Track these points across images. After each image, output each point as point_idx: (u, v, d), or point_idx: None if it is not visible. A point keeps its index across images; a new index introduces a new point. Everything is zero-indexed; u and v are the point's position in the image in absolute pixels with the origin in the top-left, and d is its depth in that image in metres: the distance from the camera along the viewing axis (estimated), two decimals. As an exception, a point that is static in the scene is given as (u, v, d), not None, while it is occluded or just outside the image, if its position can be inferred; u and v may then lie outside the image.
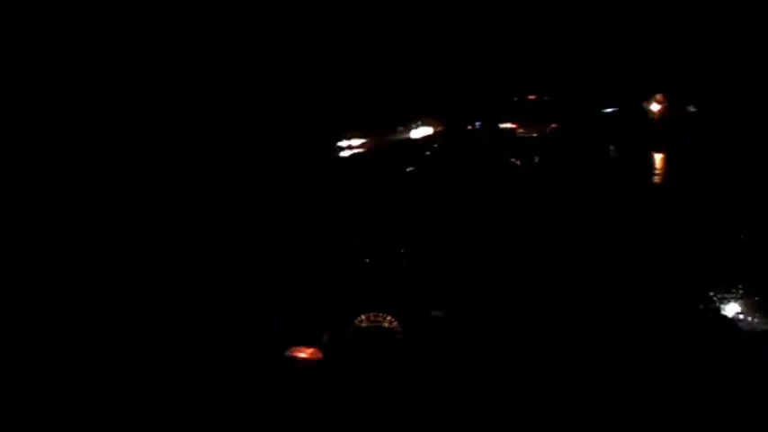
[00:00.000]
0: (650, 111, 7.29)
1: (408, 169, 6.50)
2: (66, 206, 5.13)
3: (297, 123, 5.91)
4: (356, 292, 4.44)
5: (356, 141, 6.50)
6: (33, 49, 5.26)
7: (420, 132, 7.29)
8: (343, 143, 6.42)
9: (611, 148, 8.99)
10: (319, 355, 4.01)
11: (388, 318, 4.05)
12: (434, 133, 7.91)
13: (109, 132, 5.55)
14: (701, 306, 4.15)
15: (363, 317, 4.07)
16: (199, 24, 5.83)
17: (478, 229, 5.50)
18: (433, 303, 4.41)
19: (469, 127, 9.02)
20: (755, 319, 3.69)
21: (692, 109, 7.44)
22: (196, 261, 4.94)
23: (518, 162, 8.57)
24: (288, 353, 3.97)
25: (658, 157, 7.26)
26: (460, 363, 3.89)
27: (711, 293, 3.95)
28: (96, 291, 4.64)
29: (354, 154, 6.44)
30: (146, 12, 5.66)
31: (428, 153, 7.28)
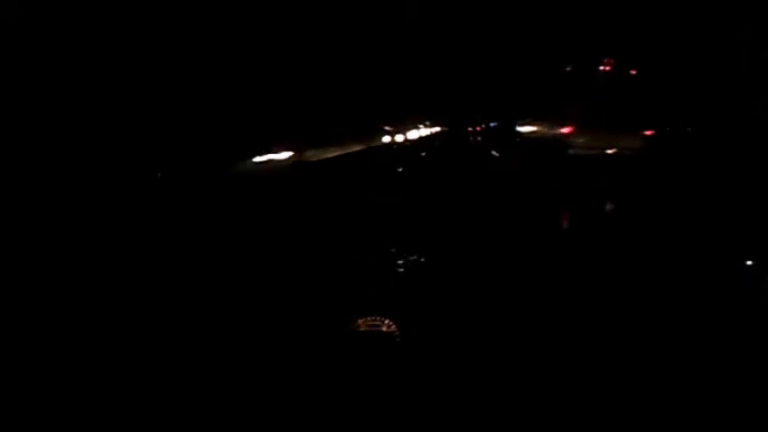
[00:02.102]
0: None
1: (404, 169, 6.00)
2: (71, 206, 5.11)
3: (297, 126, 5.96)
4: (354, 294, 4.29)
5: (359, 142, 6.39)
6: (34, 50, 5.41)
7: (423, 132, 6.70)
8: (347, 144, 6.37)
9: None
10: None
11: (387, 321, 3.74)
12: (437, 133, 6.91)
13: (113, 133, 5.68)
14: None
15: (361, 321, 3.76)
16: (199, 26, 6.00)
17: (478, 229, 4.97)
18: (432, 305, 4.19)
19: (472, 128, 6.87)
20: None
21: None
22: (198, 262, 4.85)
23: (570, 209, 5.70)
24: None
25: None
26: (460, 365, 3.69)
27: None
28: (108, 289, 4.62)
29: (354, 154, 6.30)
30: (145, 15, 5.77)
31: (428, 154, 6.40)
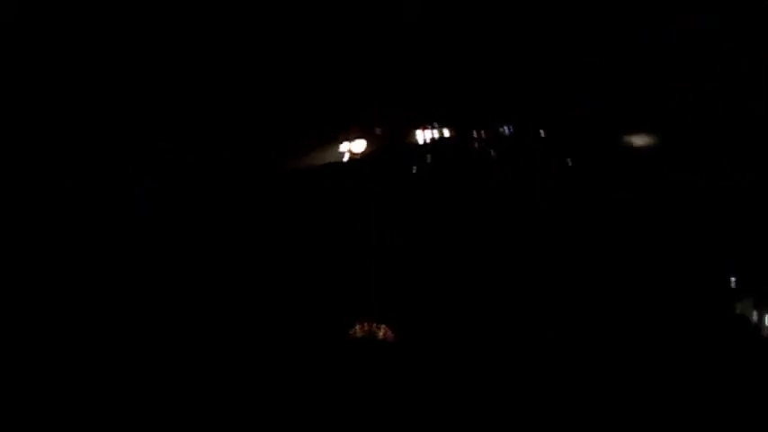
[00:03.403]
0: None
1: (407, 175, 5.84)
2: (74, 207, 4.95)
3: (293, 128, 5.81)
4: (351, 299, 4.19)
5: (357, 145, 6.18)
6: (34, 51, 5.33)
7: (426, 136, 6.55)
8: (343, 147, 6.12)
9: None
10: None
11: (383, 327, 3.79)
12: (442, 137, 6.73)
13: (114, 136, 5.55)
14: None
15: (357, 327, 3.81)
16: (199, 26, 5.85)
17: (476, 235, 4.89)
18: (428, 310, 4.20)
19: (478, 134, 6.61)
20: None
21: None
22: (194, 263, 4.64)
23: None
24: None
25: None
26: (457, 373, 3.70)
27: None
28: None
29: (355, 158, 6.12)
30: (146, 15, 5.65)
31: (431, 159, 6.23)
